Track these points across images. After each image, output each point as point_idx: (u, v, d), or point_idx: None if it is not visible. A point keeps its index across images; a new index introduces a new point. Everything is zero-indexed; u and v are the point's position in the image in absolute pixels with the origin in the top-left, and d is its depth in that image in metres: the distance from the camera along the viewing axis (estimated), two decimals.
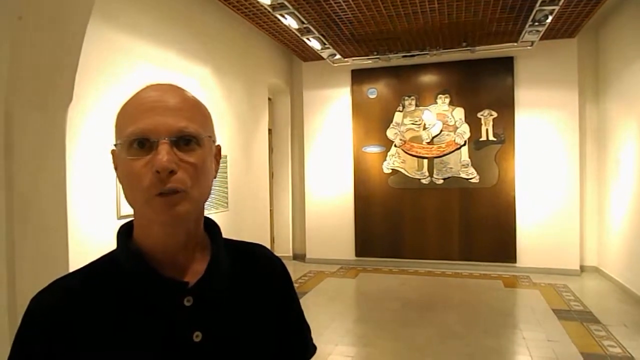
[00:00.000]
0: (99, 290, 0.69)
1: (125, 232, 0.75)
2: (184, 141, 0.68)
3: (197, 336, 0.69)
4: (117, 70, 3.77)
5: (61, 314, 0.67)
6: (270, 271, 0.85)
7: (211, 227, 0.79)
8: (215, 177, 0.77)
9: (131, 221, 0.75)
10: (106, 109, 3.63)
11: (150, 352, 0.66)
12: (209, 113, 0.77)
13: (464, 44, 6.05)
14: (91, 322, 0.67)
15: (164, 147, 0.65)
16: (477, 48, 6.14)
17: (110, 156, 0.74)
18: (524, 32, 5.36)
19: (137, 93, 0.72)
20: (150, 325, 0.68)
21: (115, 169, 0.73)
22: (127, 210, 3.81)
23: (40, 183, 2.17)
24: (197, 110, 0.73)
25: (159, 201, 0.66)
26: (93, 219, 3.50)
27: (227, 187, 5.54)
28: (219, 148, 0.79)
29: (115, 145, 0.71)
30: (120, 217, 3.73)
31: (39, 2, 2.09)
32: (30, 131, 2.11)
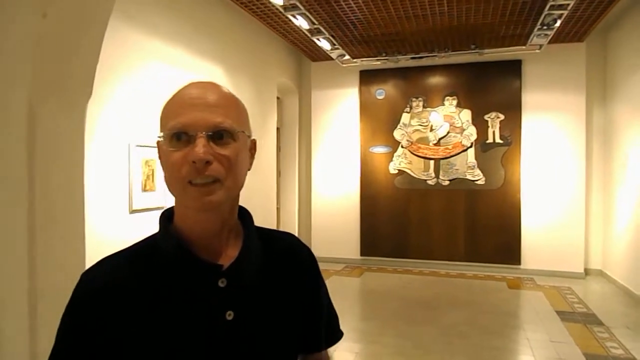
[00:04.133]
0: (143, 269, 0.75)
1: (166, 217, 0.81)
2: (219, 135, 0.73)
3: (230, 315, 0.75)
4: (130, 68, 3.85)
5: (109, 289, 0.73)
6: (299, 258, 0.91)
7: (244, 215, 0.86)
8: (249, 169, 0.84)
9: (173, 207, 0.81)
10: (118, 105, 3.72)
11: (187, 328, 0.72)
12: (245, 110, 0.83)
13: (473, 46, 6.09)
14: (135, 299, 0.73)
15: (200, 141, 0.71)
16: (486, 51, 6.19)
17: (156, 147, 0.80)
18: (532, 35, 5.40)
19: (181, 90, 0.77)
20: (188, 304, 0.73)
21: (160, 158, 0.79)
22: (138, 205, 3.90)
23: (60, 177, 2.25)
24: (234, 107, 0.79)
25: (194, 190, 0.72)
26: (106, 213, 3.58)
27: None
28: (254, 142, 0.85)
29: (159, 137, 0.77)
30: (132, 212, 3.81)
31: (62, 0, 2.17)
32: (52, 126, 2.19)
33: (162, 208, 4.67)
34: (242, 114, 0.81)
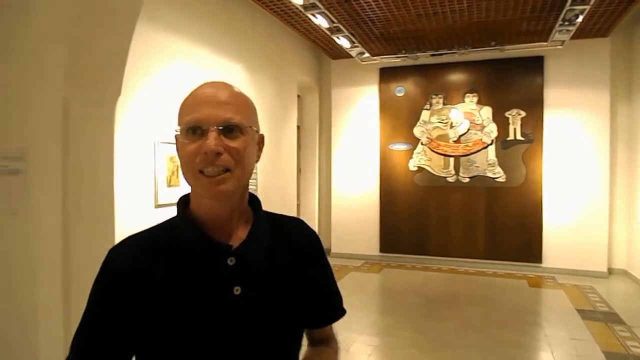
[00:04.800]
0: (163, 249, 0.84)
1: (183, 202, 0.90)
2: (229, 129, 0.81)
3: (237, 290, 0.83)
4: (155, 67, 3.99)
5: (134, 265, 0.82)
6: (305, 240, 0.99)
7: (254, 201, 0.94)
8: (257, 161, 0.92)
9: (189, 194, 0.90)
10: (144, 103, 3.86)
11: (200, 302, 0.81)
12: (254, 107, 0.90)
13: (493, 43, 6.06)
14: (156, 275, 0.82)
15: (212, 134, 0.79)
16: (507, 47, 6.15)
17: (175, 140, 0.88)
18: (554, 31, 5.35)
19: (196, 89, 0.86)
20: (201, 280, 0.82)
21: (177, 151, 0.86)
22: (163, 199, 4.04)
23: (92, 172, 2.39)
24: (243, 104, 0.86)
25: (206, 179, 0.80)
26: (133, 207, 3.73)
27: (256, 181, 5.74)
28: (261, 137, 0.92)
29: (176, 131, 0.85)
30: (157, 206, 3.96)
31: (95, 3, 2.30)
32: (84, 123, 2.32)
33: None
34: (251, 111, 0.88)
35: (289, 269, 0.91)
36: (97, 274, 0.84)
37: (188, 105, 0.84)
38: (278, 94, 6.37)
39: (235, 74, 5.30)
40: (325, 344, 1.05)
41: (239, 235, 0.87)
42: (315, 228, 7.82)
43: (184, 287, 0.81)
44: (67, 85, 2.24)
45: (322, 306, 1.00)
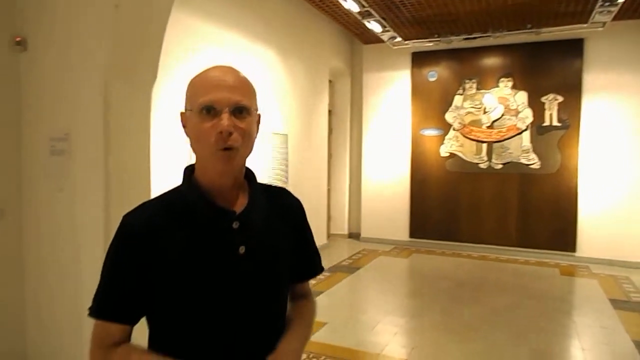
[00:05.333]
0: (175, 214, 0.94)
1: (189, 172, 1.00)
2: (239, 110, 0.91)
3: (242, 249, 0.95)
4: (187, 51, 4.13)
5: (151, 227, 0.92)
6: (292, 206, 1.12)
7: (250, 174, 1.04)
8: (255, 138, 1.00)
9: (193, 164, 1.00)
10: (177, 86, 4.01)
11: (211, 259, 0.92)
12: (254, 89, 1.00)
13: (529, 25, 5.90)
14: (171, 237, 0.92)
15: (225, 115, 0.89)
16: (543, 30, 5.97)
17: (180, 117, 0.99)
18: (594, 12, 5.16)
19: (205, 72, 0.95)
20: (211, 240, 0.93)
21: (184, 126, 0.97)
22: None
23: (130, 149, 2.54)
24: (248, 88, 0.96)
25: (220, 154, 0.90)
26: (167, 185, 3.91)
27: (287, 164, 5.86)
28: (259, 116, 1.02)
29: (185, 109, 0.95)
30: None
31: None
32: (123, 103, 2.48)
33: None
34: (254, 93, 0.98)
35: (281, 231, 1.05)
36: (115, 236, 0.94)
37: (201, 87, 0.92)
38: (310, 79, 6.43)
39: (268, 59, 5.40)
40: (306, 297, 1.18)
41: (240, 202, 0.98)
42: (345, 212, 7.92)
43: (196, 247, 0.92)
44: (107, 71, 2.40)
45: (306, 263, 1.15)
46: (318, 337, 3.66)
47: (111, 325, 0.94)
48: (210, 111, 0.90)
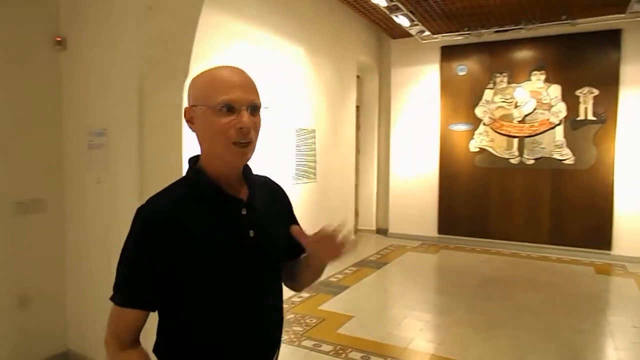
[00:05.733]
0: (189, 201, 1.01)
1: (194, 163, 1.07)
2: (253, 109, 1.00)
3: (252, 233, 1.04)
4: (218, 48, 4.22)
5: (171, 215, 0.98)
6: (279, 193, 1.24)
7: (246, 166, 1.11)
8: None
9: (197, 156, 1.07)
10: None
11: (226, 243, 1.01)
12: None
13: (564, 17, 5.74)
14: (189, 223, 0.98)
15: (245, 113, 0.97)
16: (579, 21, 5.80)
17: (184, 112, 1.04)
18: (632, 1, 4.97)
19: (216, 72, 1.01)
20: (224, 226, 1.02)
21: (189, 121, 1.03)
22: None
23: (163, 145, 2.64)
24: (256, 88, 1.04)
25: (238, 149, 0.99)
26: None
27: (315, 160, 5.91)
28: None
29: (194, 105, 1.01)
30: None
31: None
32: (157, 99, 2.57)
33: None
34: (259, 92, 1.06)
35: (277, 214, 1.17)
36: (134, 228, 0.99)
37: (218, 86, 0.98)
38: (337, 75, 6.45)
39: (296, 55, 5.45)
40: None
41: (243, 191, 1.07)
42: (373, 208, 7.92)
43: (213, 233, 1.00)
44: (141, 69, 2.49)
45: (296, 242, 1.20)
46: (345, 330, 3.70)
47: (130, 312, 0.99)
48: (230, 109, 0.96)
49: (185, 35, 2.72)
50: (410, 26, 6.09)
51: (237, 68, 1.03)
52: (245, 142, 0.98)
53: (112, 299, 1.01)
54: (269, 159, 4.99)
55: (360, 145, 7.85)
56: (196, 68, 3.86)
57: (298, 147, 5.52)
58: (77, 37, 2.78)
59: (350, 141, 7.04)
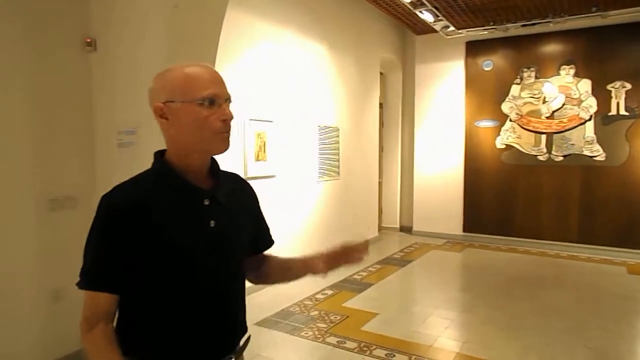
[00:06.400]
0: (154, 191, 1.05)
1: (160, 156, 1.11)
2: (229, 102, 1.08)
3: (212, 223, 1.09)
4: (243, 48, 4.26)
5: (136, 203, 1.02)
6: (246, 188, 1.29)
7: (214, 161, 1.16)
8: None
9: (162, 150, 1.12)
10: (233, 82, 4.16)
11: (188, 231, 1.06)
12: None
13: (594, 8, 5.57)
14: (153, 210, 1.02)
15: (227, 105, 1.06)
16: (610, 13, 5.62)
17: (156, 109, 1.05)
18: None
19: (192, 69, 1.05)
20: (187, 214, 1.07)
21: (162, 117, 1.05)
22: (252, 172, 4.35)
23: None
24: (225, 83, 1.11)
25: (223, 139, 1.06)
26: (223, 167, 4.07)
27: (338, 158, 5.91)
28: None
29: (171, 101, 1.03)
30: (247, 179, 4.27)
31: None
32: None
33: (272, 177, 5.13)
34: None
35: (240, 209, 1.20)
36: (99, 215, 1.03)
37: (200, 83, 1.03)
38: (360, 72, 6.43)
39: (319, 53, 5.46)
40: (272, 256, 1.37)
41: (209, 183, 1.12)
42: (397, 205, 7.88)
43: (174, 220, 1.04)
44: (168, 64, 2.54)
45: (263, 237, 1.34)
46: (369, 327, 3.70)
47: (100, 295, 1.03)
48: (212, 102, 1.03)
49: (211, 33, 2.76)
50: (435, 22, 6.02)
51: (206, 65, 1.09)
52: (228, 132, 1.05)
53: (78, 283, 1.04)
54: (294, 158, 5.02)
55: (384, 143, 7.81)
56: (220, 67, 3.91)
57: (321, 145, 5.53)
58: (106, 38, 2.85)
59: (374, 138, 7.01)
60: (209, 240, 1.08)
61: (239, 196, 1.21)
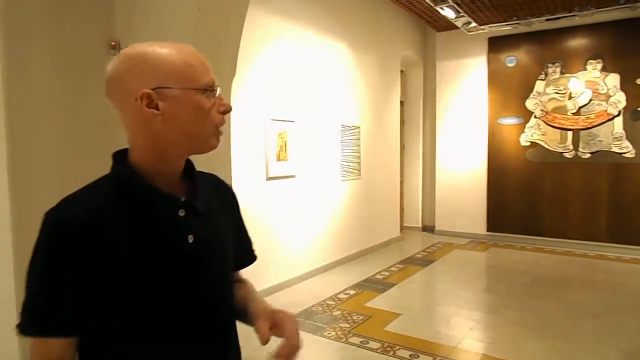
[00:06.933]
0: (111, 203, 0.83)
1: (122, 158, 0.89)
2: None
3: (191, 238, 0.87)
4: (263, 48, 4.28)
5: (87, 220, 0.79)
6: (227, 194, 1.07)
7: (189, 162, 0.95)
8: None
9: (123, 150, 0.90)
10: (254, 83, 4.18)
11: (159, 250, 0.84)
12: None
13: (622, 0, 5.41)
14: (111, 227, 0.80)
15: (221, 95, 0.87)
16: None
17: (143, 96, 0.82)
18: None
19: (189, 52, 0.85)
20: (157, 230, 0.85)
21: (149, 107, 0.82)
22: (273, 172, 4.36)
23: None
24: None
25: (219, 134, 0.88)
26: (247, 180, 4.10)
27: (359, 157, 5.88)
28: None
29: (168, 87, 0.82)
30: (268, 179, 4.29)
31: None
32: None
33: (293, 176, 5.15)
34: None
35: (222, 218, 0.99)
36: (42, 237, 0.79)
37: (197, 68, 0.84)
38: (381, 70, 6.39)
39: (339, 52, 5.44)
40: (242, 280, 1.13)
41: (183, 190, 0.91)
42: (419, 204, 7.80)
43: (141, 238, 0.83)
44: None
45: (244, 250, 1.10)
46: (392, 327, 3.67)
47: (49, 342, 0.79)
48: (212, 91, 0.85)
49: (233, 35, 2.77)
50: (456, 18, 5.93)
51: (188, 45, 0.89)
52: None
53: (19, 326, 0.79)
54: (314, 157, 5.02)
55: (405, 141, 7.75)
56: (241, 67, 3.93)
57: (342, 144, 5.51)
58: (130, 41, 2.88)
59: (395, 137, 6.96)
60: (188, 259, 0.86)
61: (219, 202, 1.00)
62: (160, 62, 0.83)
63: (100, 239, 0.79)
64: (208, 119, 0.85)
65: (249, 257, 1.11)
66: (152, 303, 0.82)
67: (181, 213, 0.87)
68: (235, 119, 3.93)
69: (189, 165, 0.94)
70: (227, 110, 0.87)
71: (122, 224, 0.81)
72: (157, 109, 0.82)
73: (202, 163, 2.46)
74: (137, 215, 0.83)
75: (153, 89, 0.81)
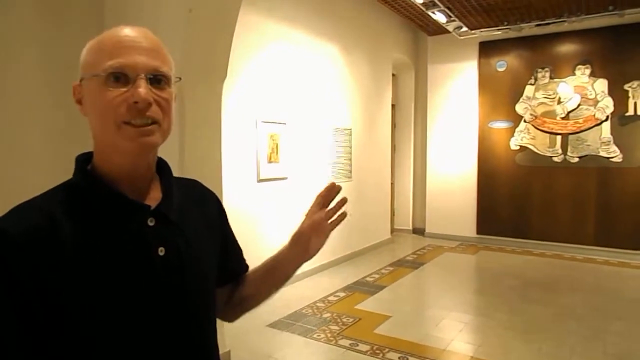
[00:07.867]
0: (69, 212, 0.73)
1: (84, 162, 0.79)
2: (157, 80, 0.73)
3: (162, 251, 0.76)
4: (253, 49, 4.27)
5: (39, 233, 0.69)
6: (210, 201, 0.96)
7: (163, 163, 0.86)
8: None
9: (89, 152, 0.80)
10: (245, 84, 4.17)
11: (124, 265, 0.73)
12: (171, 59, 0.82)
13: (611, 7, 5.49)
14: (67, 241, 0.70)
15: (142, 82, 0.71)
16: (627, 11, 5.52)
17: (73, 91, 0.77)
18: None
19: (112, 32, 0.75)
20: (121, 242, 0.74)
21: (79, 102, 0.77)
22: (265, 174, 4.35)
23: (203, 147, 2.70)
24: (166, 54, 0.78)
25: (132, 130, 0.72)
26: (237, 181, 4.09)
27: (350, 159, 5.89)
28: (175, 96, 0.82)
29: (82, 79, 0.75)
30: (259, 181, 4.29)
31: None
32: (196, 100, 2.63)
33: (284, 178, 5.15)
34: (172, 62, 0.80)
35: (201, 228, 0.88)
36: None
37: (106, 50, 0.73)
38: (373, 73, 6.41)
39: (331, 54, 5.45)
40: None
41: (153, 195, 0.81)
42: (410, 207, 7.83)
43: (102, 252, 0.72)
44: (181, 71, 2.56)
45: (233, 262, 1.02)
46: (382, 329, 3.68)
47: None
48: (119, 78, 0.71)
49: (224, 37, 2.77)
50: (447, 22, 5.98)
51: (144, 29, 0.77)
52: (143, 122, 0.72)
53: None
54: (306, 159, 5.02)
55: (396, 144, 7.78)
56: (232, 69, 3.92)
57: (334, 146, 5.52)
58: None
59: (386, 140, 6.98)
60: (158, 275, 0.75)
61: (197, 210, 0.89)
62: (86, 50, 0.76)
63: (53, 254, 0.68)
64: (108, 113, 0.71)
65: (240, 266, 1.03)
66: (115, 326, 0.72)
67: (150, 222, 0.77)
68: (227, 121, 3.92)
69: (163, 166, 0.86)
70: (136, 100, 0.70)
71: (81, 236, 0.71)
72: (81, 103, 0.77)
73: (191, 165, 2.46)
74: (97, 226, 0.73)
75: (79, 82, 0.76)
